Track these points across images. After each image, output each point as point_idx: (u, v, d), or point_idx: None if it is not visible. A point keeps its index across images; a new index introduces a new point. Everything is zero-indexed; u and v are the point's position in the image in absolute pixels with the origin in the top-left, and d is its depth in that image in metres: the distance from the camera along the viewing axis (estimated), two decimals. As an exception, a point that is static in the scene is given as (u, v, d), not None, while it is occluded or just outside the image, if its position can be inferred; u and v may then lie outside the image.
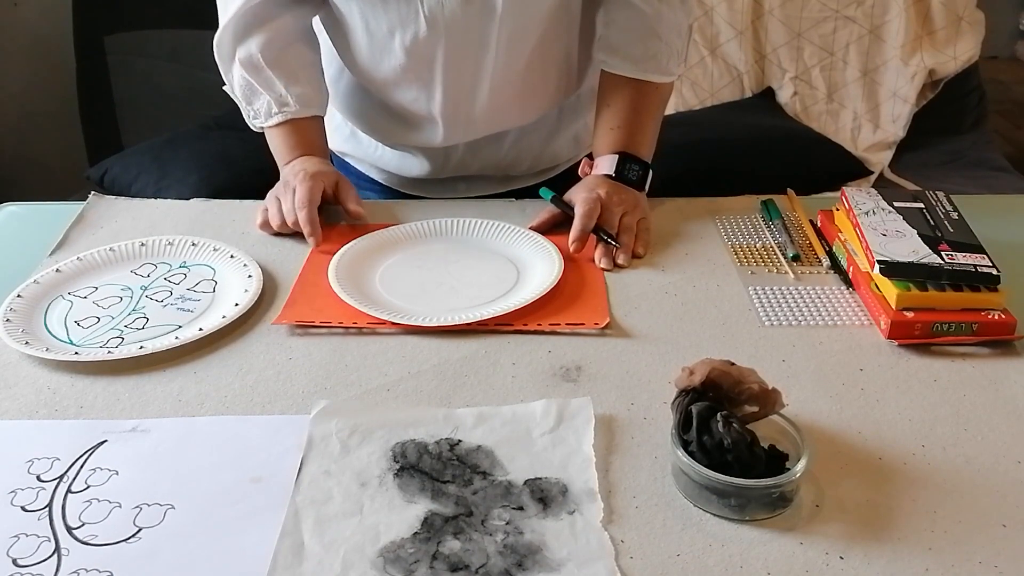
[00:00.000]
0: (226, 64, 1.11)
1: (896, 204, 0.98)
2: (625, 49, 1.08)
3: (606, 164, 1.08)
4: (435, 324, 0.88)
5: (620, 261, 0.99)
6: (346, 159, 1.29)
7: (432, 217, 1.07)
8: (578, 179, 1.10)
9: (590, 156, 1.13)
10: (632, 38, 1.08)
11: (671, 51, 1.09)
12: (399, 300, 0.93)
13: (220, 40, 1.09)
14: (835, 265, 0.99)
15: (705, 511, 0.67)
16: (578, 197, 1.04)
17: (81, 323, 0.91)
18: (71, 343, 0.87)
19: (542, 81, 1.13)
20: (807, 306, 0.92)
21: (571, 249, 1.00)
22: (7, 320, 0.89)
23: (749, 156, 2.05)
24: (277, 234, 1.06)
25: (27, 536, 0.66)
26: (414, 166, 1.23)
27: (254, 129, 1.15)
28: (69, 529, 0.66)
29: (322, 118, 1.15)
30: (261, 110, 1.11)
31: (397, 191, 1.27)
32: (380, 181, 1.28)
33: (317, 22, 1.15)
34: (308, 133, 1.13)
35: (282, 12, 1.08)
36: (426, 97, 1.12)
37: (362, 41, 1.10)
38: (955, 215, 0.96)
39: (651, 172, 1.10)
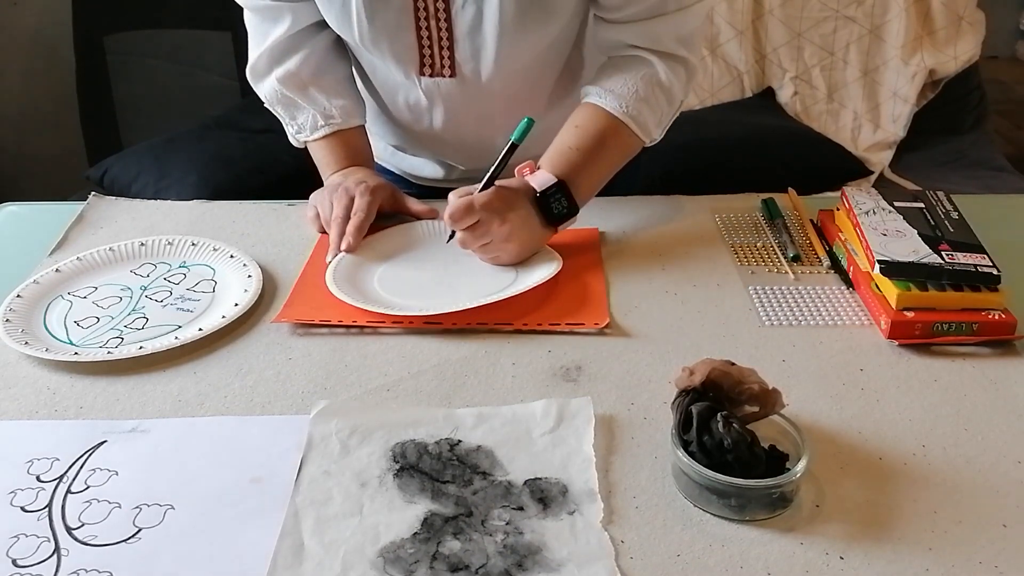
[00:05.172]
0: (263, 84, 1.12)
1: (896, 204, 0.98)
2: (618, 88, 1.03)
3: (540, 181, 0.98)
4: (434, 313, 0.88)
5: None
6: None
7: (431, 218, 1.07)
8: None
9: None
10: (628, 81, 1.03)
11: (659, 110, 1.05)
12: (398, 298, 0.93)
13: (255, 65, 1.11)
14: (835, 265, 0.99)
15: (705, 511, 0.67)
16: (485, 196, 0.95)
17: (81, 323, 0.91)
18: (71, 343, 0.87)
19: (558, 121, 1.09)
20: (807, 306, 0.92)
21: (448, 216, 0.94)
22: (7, 320, 0.89)
23: (749, 156, 2.05)
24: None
25: (27, 536, 0.66)
26: (426, 170, 1.25)
27: (297, 144, 1.16)
28: (69, 529, 0.66)
29: (364, 126, 1.16)
30: (306, 124, 1.12)
31: (410, 185, 1.28)
32: (394, 172, 1.29)
33: None
34: (354, 143, 1.14)
35: (316, 33, 1.09)
36: (435, 141, 1.16)
37: (373, 83, 1.14)
38: (955, 215, 0.96)
39: (575, 220, 1.00)
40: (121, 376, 0.83)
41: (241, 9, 1.10)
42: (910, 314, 0.85)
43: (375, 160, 1.26)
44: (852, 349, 0.85)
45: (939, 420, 0.76)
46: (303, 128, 1.12)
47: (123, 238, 1.06)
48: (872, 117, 2.31)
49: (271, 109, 1.14)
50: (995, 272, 0.86)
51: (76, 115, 2.41)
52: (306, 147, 1.15)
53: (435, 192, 1.19)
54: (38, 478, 0.71)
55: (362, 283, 0.96)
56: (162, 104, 2.35)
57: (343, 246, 1.00)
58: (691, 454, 0.66)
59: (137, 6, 2.33)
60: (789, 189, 1.15)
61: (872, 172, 2.22)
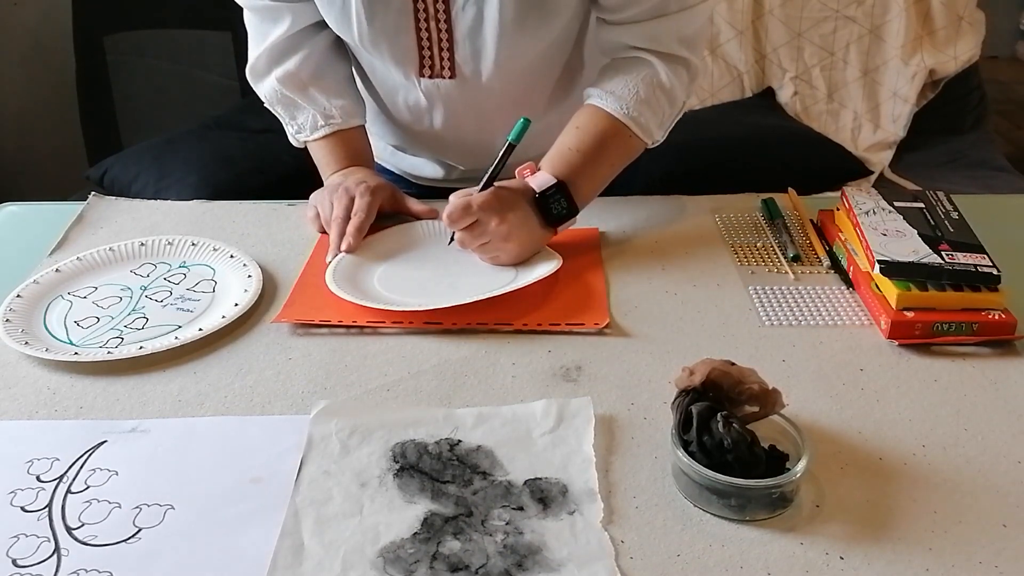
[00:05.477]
0: (263, 84, 1.12)
1: (896, 204, 0.98)
2: (618, 90, 1.02)
3: (540, 182, 0.98)
4: (433, 308, 0.88)
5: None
6: None
7: (431, 218, 1.07)
8: None
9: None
10: (629, 82, 1.02)
11: (660, 112, 1.04)
12: (398, 298, 0.93)
13: (255, 65, 1.11)
14: (835, 265, 0.99)
15: (705, 511, 0.67)
16: (483, 196, 0.95)
17: (81, 323, 0.91)
18: (71, 343, 0.87)
19: (558, 122, 1.09)
20: (807, 306, 0.92)
21: (447, 217, 0.94)
22: (7, 320, 0.89)
23: (749, 156, 2.05)
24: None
25: (27, 536, 0.66)
26: (426, 170, 1.25)
27: (297, 144, 1.16)
28: (69, 529, 0.66)
29: (364, 126, 1.16)
30: (306, 124, 1.12)
31: (409, 184, 1.28)
32: (394, 172, 1.29)
33: None
34: (355, 143, 1.14)
35: (315, 33, 1.09)
36: (435, 142, 1.16)
37: (373, 83, 1.14)
38: (955, 215, 0.96)
39: (575, 221, 1.00)
40: (121, 376, 0.83)
41: (241, 9, 1.10)
42: (910, 314, 0.85)
43: (375, 160, 1.26)
44: (852, 349, 0.85)
45: (939, 420, 0.76)
46: (303, 128, 1.12)
47: (123, 238, 1.06)
48: (872, 117, 2.31)
49: (271, 109, 1.14)
50: (995, 272, 0.86)
51: (76, 115, 2.41)
52: (306, 147, 1.15)
53: (435, 192, 1.19)
54: (38, 478, 0.71)
55: (362, 283, 0.96)
56: (162, 104, 2.35)
57: (343, 246, 1.00)
58: (691, 454, 0.66)
59: (137, 6, 2.33)
60: (789, 189, 1.15)
61: (872, 172, 2.22)
